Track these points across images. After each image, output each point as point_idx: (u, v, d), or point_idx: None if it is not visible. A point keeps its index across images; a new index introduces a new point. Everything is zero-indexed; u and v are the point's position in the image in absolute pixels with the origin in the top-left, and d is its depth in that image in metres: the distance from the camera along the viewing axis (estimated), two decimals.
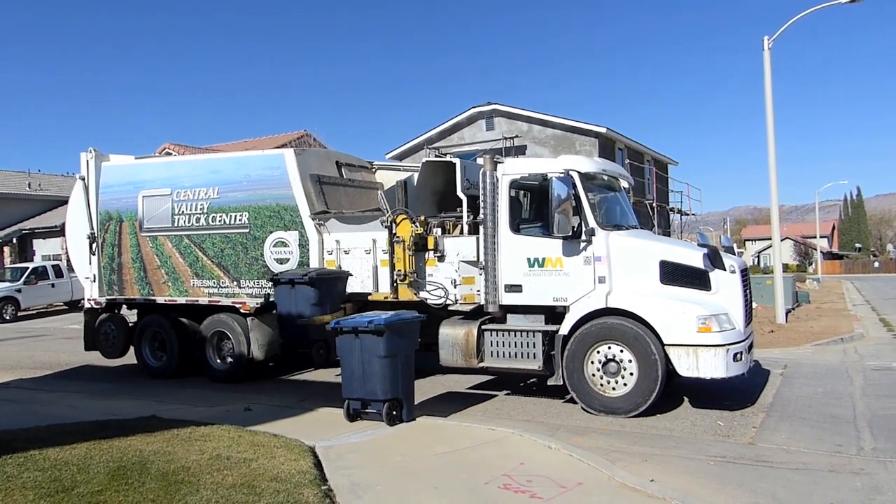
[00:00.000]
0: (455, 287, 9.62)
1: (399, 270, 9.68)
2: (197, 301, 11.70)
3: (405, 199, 10.99)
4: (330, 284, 9.97)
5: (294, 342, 10.05)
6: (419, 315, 8.56)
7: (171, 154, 27.27)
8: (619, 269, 8.83)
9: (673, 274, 8.74)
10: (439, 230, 10.02)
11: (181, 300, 11.82)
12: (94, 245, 12.41)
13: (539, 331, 9.08)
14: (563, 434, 7.79)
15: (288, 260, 10.94)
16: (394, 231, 9.73)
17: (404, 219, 9.70)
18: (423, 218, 9.77)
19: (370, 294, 10.28)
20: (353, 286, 10.41)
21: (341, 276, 10.17)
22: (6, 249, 34.52)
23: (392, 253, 9.76)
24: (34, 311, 26.92)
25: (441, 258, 9.71)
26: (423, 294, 9.73)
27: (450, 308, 9.76)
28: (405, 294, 9.75)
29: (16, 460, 6.10)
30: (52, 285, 26.85)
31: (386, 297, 10.00)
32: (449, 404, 9.44)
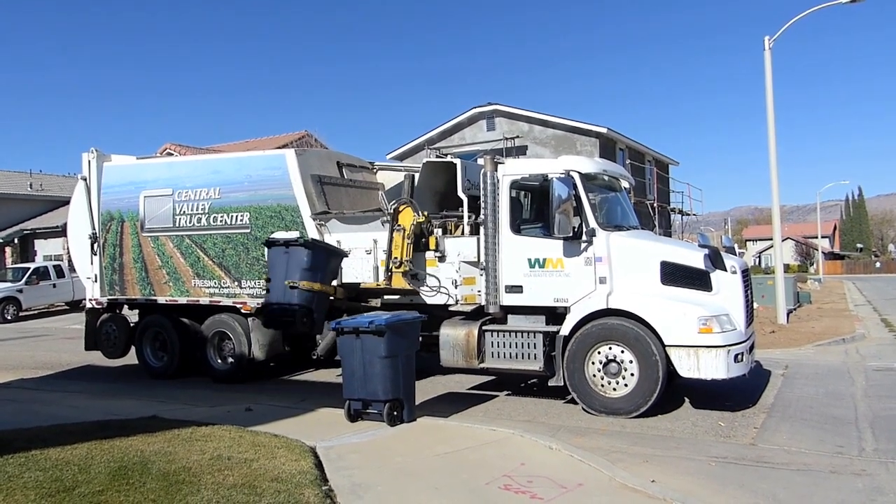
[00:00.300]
0: (456, 287, 9.62)
1: (395, 258, 9.57)
2: (198, 301, 11.71)
3: (411, 193, 10.97)
4: (325, 254, 9.72)
5: (278, 309, 9.66)
6: (420, 315, 8.57)
7: (172, 154, 27.28)
8: (619, 269, 8.83)
9: (674, 275, 8.74)
10: (440, 230, 10.02)
11: (182, 300, 11.83)
12: (95, 245, 12.41)
13: (540, 331, 9.08)
14: (563, 435, 7.79)
15: None
16: (396, 220, 9.64)
17: (407, 207, 9.64)
18: (426, 213, 9.75)
19: (361, 283, 10.17)
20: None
21: (337, 252, 9.97)
22: (8, 249, 34.56)
23: (391, 240, 9.67)
24: (35, 312, 26.95)
25: (442, 258, 9.70)
26: (419, 288, 9.67)
27: (450, 308, 9.76)
28: (398, 282, 9.64)
29: (17, 460, 6.10)
30: (54, 285, 26.88)
31: (378, 285, 9.92)
32: (450, 405, 9.45)
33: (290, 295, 9.37)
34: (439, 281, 9.71)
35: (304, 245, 9.50)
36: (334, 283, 10.03)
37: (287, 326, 9.87)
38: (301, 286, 9.30)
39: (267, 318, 9.91)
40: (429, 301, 9.80)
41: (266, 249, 9.97)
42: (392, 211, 9.72)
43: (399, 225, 9.62)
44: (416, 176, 11.04)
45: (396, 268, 9.59)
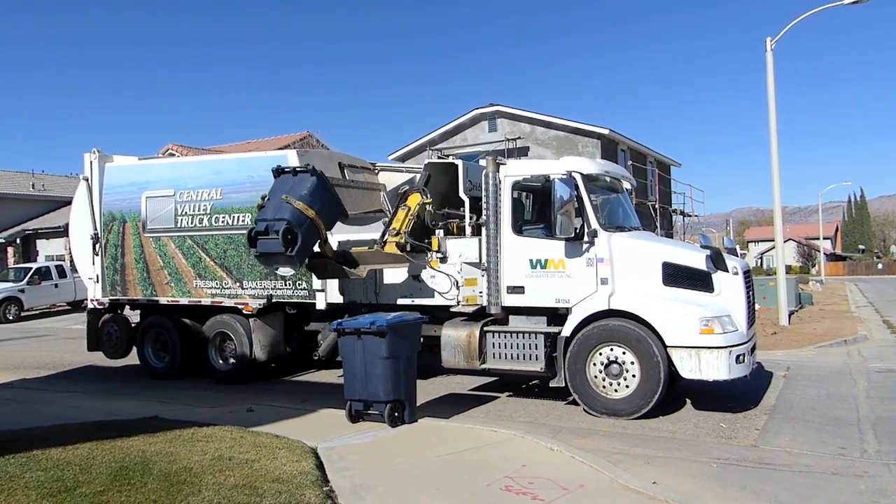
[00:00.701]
0: (457, 288, 9.62)
1: (394, 228, 9.53)
2: (200, 302, 11.71)
3: (425, 184, 10.90)
4: (329, 193, 9.44)
5: (264, 225, 9.19)
6: (422, 316, 8.57)
7: (174, 155, 27.30)
8: (621, 270, 8.82)
9: (675, 276, 8.73)
10: (442, 231, 10.02)
11: (184, 301, 11.83)
12: (97, 245, 12.42)
13: (541, 332, 9.07)
14: (565, 436, 7.78)
15: None
16: (404, 201, 9.70)
17: (417, 193, 9.68)
18: (438, 210, 9.77)
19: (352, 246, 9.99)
20: (355, 289, 10.43)
21: (341, 208, 9.73)
22: (10, 250, 34.59)
23: (394, 214, 9.69)
24: (37, 312, 26.97)
25: (444, 259, 9.69)
26: (410, 259, 9.56)
27: (452, 309, 9.76)
28: (391, 248, 9.54)
29: (18, 460, 6.11)
30: (56, 286, 26.90)
31: (370, 248, 9.78)
32: (451, 406, 9.44)
33: (282, 210, 8.98)
34: (441, 282, 9.70)
35: (311, 173, 9.27)
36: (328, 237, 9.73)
37: (268, 246, 9.01)
38: (296, 205, 8.94)
39: (250, 237, 9.25)
40: (430, 302, 9.80)
41: (274, 177, 9.56)
42: (402, 194, 9.79)
43: (405, 204, 9.66)
44: (430, 174, 10.97)
45: (392, 236, 9.52)
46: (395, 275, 10.21)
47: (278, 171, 9.51)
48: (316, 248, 9.59)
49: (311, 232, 9.17)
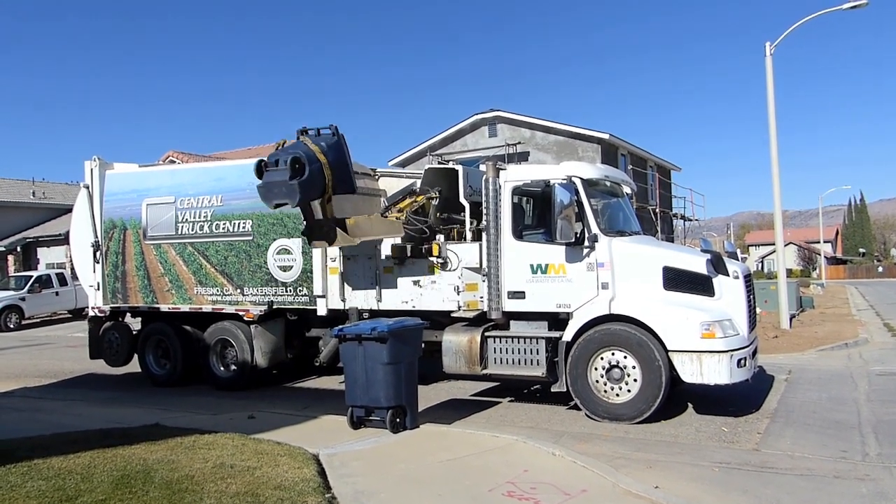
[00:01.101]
0: (458, 293, 9.62)
1: (400, 207, 9.94)
2: (200, 309, 11.72)
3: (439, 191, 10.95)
4: (345, 158, 9.34)
5: (273, 158, 9.19)
6: (423, 322, 8.58)
7: (174, 162, 27.35)
8: (622, 275, 8.82)
9: (676, 280, 8.74)
10: (442, 237, 10.04)
11: (185, 308, 11.84)
12: (98, 253, 12.43)
13: (542, 337, 9.08)
14: (567, 441, 7.78)
15: (291, 267, 10.96)
16: (412, 195, 10.18)
17: (424, 195, 10.15)
18: (440, 214, 10.02)
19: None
20: (356, 295, 10.43)
21: (352, 179, 9.60)
22: (10, 258, 34.61)
23: (401, 199, 10.16)
24: (38, 320, 26.97)
25: (444, 265, 9.71)
26: (407, 229, 9.88)
27: (453, 315, 9.76)
28: (391, 218, 9.91)
29: (19, 469, 6.10)
30: (56, 293, 26.88)
31: (370, 218, 9.79)
32: (452, 411, 9.44)
33: (296, 147, 8.92)
34: (441, 287, 9.71)
35: (334, 133, 9.24)
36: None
37: (274, 175, 8.89)
38: (311, 146, 8.88)
39: (258, 168, 9.08)
40: (431, 307, 9.80)
41: (298, 136, 9.37)
42: (411, 191, 10.23)
43: (414, 198, 10.06)
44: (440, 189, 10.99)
45: (397, 212, 9.85)
46: (396, 281, 10.21)
47: (302, 131, 9.36)
48: (317, 207, 9.39)
49: (319, 175, 8.93)
